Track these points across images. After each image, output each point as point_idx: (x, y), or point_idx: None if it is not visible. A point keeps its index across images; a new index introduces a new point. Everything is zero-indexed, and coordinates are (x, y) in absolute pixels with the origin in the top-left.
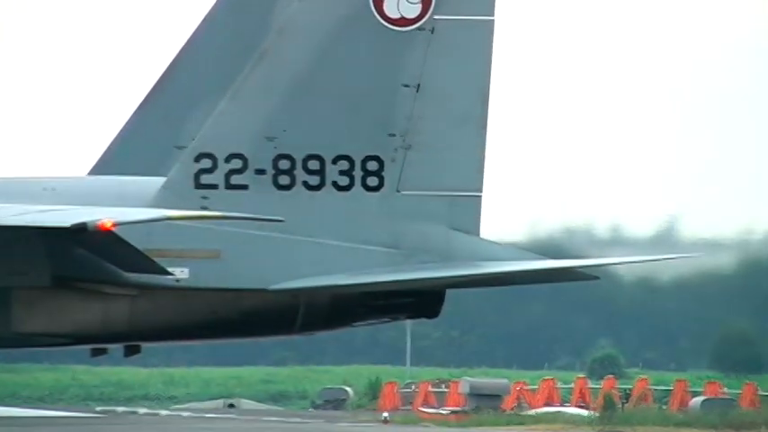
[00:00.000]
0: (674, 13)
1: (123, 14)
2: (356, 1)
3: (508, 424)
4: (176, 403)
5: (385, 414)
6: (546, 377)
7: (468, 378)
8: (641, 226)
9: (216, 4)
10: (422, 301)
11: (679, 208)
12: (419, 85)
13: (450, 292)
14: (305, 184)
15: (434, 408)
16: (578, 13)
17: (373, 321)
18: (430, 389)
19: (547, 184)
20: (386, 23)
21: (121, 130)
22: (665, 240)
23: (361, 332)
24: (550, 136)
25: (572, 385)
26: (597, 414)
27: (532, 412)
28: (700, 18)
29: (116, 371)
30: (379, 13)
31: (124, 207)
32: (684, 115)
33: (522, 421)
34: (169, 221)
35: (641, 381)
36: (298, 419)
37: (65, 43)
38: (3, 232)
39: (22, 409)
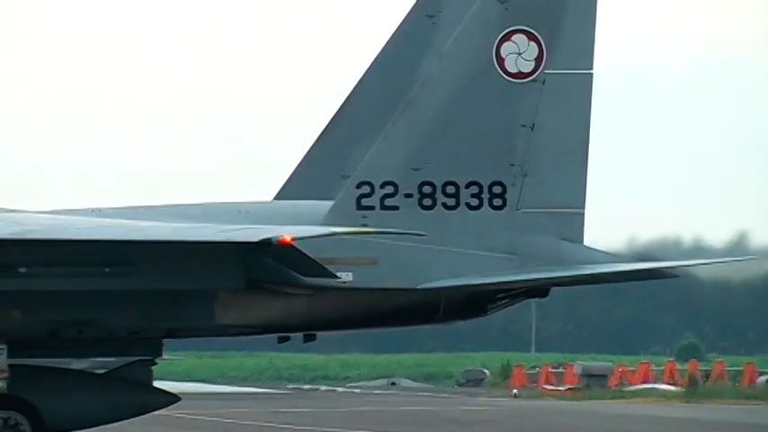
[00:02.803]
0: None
1: (312, 58)
2: (483, 60)
3: (613, 398)
4: (349, 382)
5: (515, 390)
6: (642, 361)
7: (581, 362)
8: (718, 238)
9: (377, 58)
10: (534, 292)
11: (749, 223)
12: (533, 124)
13: (566, 296)
14: (443, 204)
15: (554, 385)
16: (664, 60)
17: (497, 311)
18: (550, 370)
19: (643, 204)
20: (506, 77)
21: (300, 162)
22: (737, 250)
23: (495, 325)
24: (646, 163)
25: (663, 367)
26: (683, 390)
27: (632, 388)
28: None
29: (302, 356)
30: (501, 68)
31: (301, 225)
32: (758, 147)
33: (624, 396)
34: (336, 236)
35: (718, 363)
36: (445, 395)
37: (266, 88)
38: (208, 246)
39: (231, 387)
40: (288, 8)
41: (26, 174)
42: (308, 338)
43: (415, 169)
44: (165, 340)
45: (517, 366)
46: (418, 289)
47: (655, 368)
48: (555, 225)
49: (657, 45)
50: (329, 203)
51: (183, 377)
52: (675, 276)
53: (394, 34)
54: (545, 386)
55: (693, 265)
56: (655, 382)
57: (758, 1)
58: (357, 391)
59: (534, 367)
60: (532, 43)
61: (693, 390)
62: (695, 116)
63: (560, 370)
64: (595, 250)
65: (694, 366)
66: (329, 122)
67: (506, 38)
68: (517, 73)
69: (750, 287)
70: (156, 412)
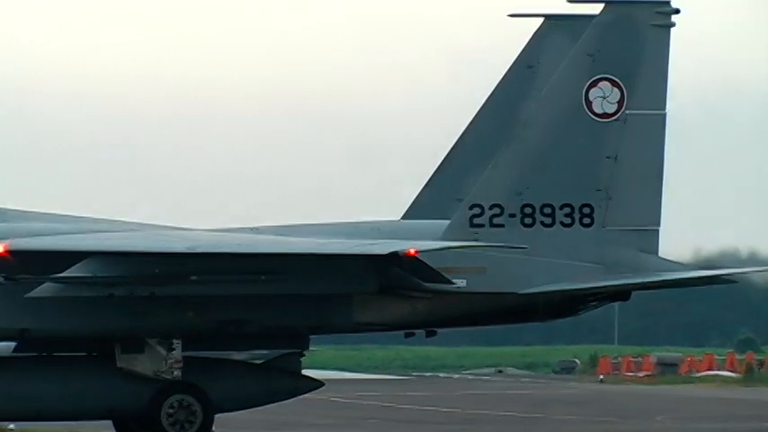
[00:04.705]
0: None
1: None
2: (574, 103)
3: (683, 383)
4: (464, 370)
5: (601, 377)
6: (707, 352)
7: (656, 353)
8: None
9: (487, 101)
10: (617, 295)
11: None
12: (617, 156)
13: (644, 298)
14: (542, 223)
15: (634, 372)
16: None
17: (587, 311)
18: (631, 360)
19: (706, 222)
20: (594, 117)
21: (423, 188)
22: None
23: (585, 322)
24: (708, 187)
25: (725, 357)
26: (742, 376)
27: (698, 375)
28: None
29: (424, 349)
30: (589, 110)
31: (423, 240)
32: None
33: (692, 381)
34: (452, 249)
35: None
36: (543, 381)
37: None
38: (346, 258)
39: (365, 375)
40: (408, 59)
41: (180, 192)
42: (430, 334)
43: (518, 194)
44: (310, 336)
45: (603, 357)
46: (521, 293)
47: (718, 358)
48: (634, 240)
49: (721, 72)
50: (446, 222)
51: (325, 366)
52: (734, 282)
53: (500, 81)
54: (626, 373)
55: (749, 272)
56: (718, 370)
57: None
58: (470, 377)
59: (617, 357)
60: (615, 89)
61: (750, 376)
62: (756, 147)
63: (639, 360)
64: (668, 260)
65: (751, 357)
66: (446, 155)
67: (593, 84)
68: (603, 113)
69: None
70: (304, 395)
